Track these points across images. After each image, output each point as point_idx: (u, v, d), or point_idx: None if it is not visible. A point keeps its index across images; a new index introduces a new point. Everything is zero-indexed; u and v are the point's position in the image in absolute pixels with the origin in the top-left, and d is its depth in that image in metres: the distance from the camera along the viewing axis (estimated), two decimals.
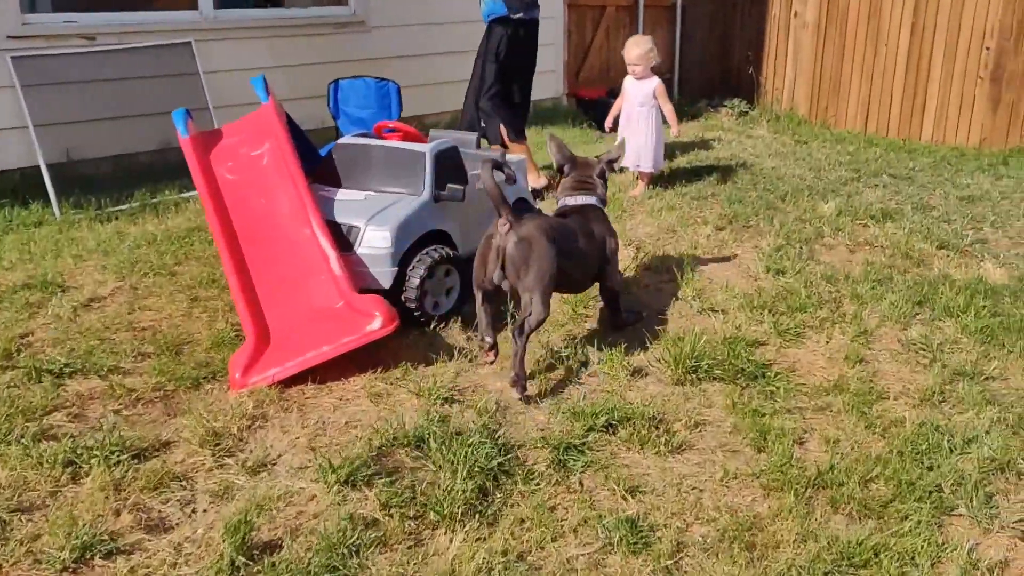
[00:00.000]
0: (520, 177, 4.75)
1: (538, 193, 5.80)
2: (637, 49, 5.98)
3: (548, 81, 8.51)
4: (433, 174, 4.03)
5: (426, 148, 4.09)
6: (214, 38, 6.37)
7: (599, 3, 9.45)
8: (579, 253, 3.74)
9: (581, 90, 8.85)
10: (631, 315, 4.07)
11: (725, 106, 9.50)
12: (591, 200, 4.01)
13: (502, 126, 5.81)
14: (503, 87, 5.92)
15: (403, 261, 3.87)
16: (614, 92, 8.82)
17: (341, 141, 4.31)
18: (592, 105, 8.56)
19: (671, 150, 7.33)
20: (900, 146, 8.13)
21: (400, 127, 4.27)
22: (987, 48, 7.98)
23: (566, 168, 4.11)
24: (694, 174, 6.50)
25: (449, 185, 4.00)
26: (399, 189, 4.04)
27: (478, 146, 4.66)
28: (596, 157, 4.19)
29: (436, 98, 7.28)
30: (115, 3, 6.17)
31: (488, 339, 3.63)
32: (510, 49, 5.85)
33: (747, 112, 9.34)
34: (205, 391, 3.40)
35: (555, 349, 3.76)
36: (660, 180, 6.26)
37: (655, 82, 6.01)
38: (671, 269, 4.64)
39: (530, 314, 3.43)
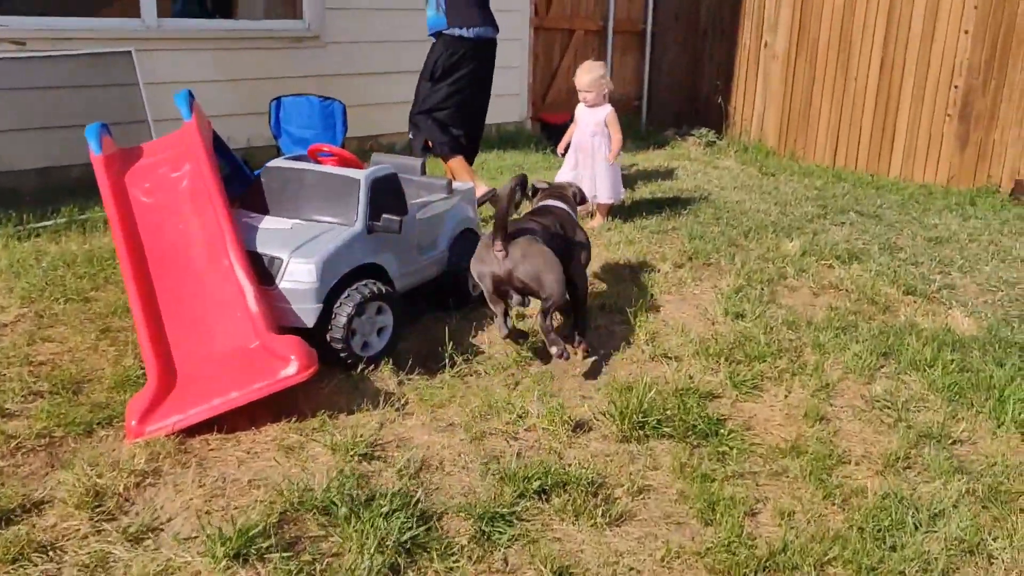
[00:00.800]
0: (469, 208, 4.46)
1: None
2: (588, 75, 5.69)
3: (511, 104, 8.25)
4: (368, 203, 3.72)
5: (361, 175, 3.78)
6: (157, 48, 6.04)
7: (568, 27, 9.23)
8: (561, 247, 3.86)
9: (545, 114, 8.60)
10: (564, 351, 3.66)
11: (693, 135, 9.29)
12: (564, 205, 4.21)
13: (430, 142, 5.61)
14: (444, 107, 5.65)
15: (330, 297, 3.55)
16: None
17: (271, 164, 3.99)
18: (556, 130, 8.28)
19: (633, 180, 7.08)
20: (868, 182, 7.95)
21: (336, 151, 3.96)
22: (955, 86, 7.84)
23: (541, 192, 4.37)
24: (656, 206, 6.24)
25: (384, 216, 3.69)
26: (330, 218, 3.73)
27: (423, 172, 4.36)
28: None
29: (393, 118, 6.96)
30: (50, 7, 5.82)
31: (505, 329, 3.71)
32: (450, 68, 5.59)
33: (715, 142, 9.14)
34: (98, 439, 3.05)
35: (494, 398, 3.45)
36: (619, 211, 6.00)
37: (607, 110, 5.73)
38: (624, 310, 4.36)
39: (550, 302, 3.62)
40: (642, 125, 9.89)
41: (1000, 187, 7.64)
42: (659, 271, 4.92)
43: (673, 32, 9.95)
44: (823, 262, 5.27)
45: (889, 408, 3.60)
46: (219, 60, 6.31)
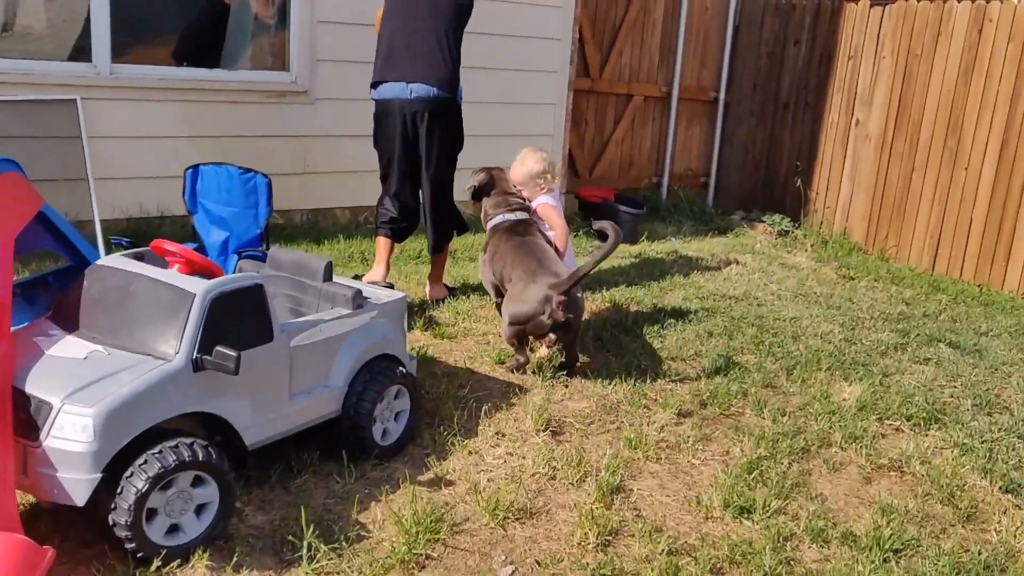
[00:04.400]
0: (390, 328, 3.31)
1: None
2: (521, 168, 4.50)
3: None
4: (199, 329, 2.62)
5: (199, 288, 2.68)
6: (109, 97, 5.17)
7: (625, 91, 8.08)
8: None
9: (584, 190, 7.43)
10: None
11: (764, 221, 7.97)
12: (526, 216, 4.28)
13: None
14: (383, 179, 4.67)
15: (117, 463, 2.46)
16: (628, 197, 7.43)
17: (101, 262, 2.94)
18: (595, 209, 7.13)
19: (668, 273, 5.85)
20: (975, 296, 6.45)
21: (181, 252, 2.87)
22: None
23: (486, 187, 4.37)
24: (681, 318, 4.97)
25: (219, 348, 2.58)
26: (145, 347, 2.64)
27: (327, 278, 3.24)
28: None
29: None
30: None
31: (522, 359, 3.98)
32: (375, 133, 4.62)
33: (789, 231, 7.78)
34: None
35: None
36: (619, 325, 4.75)
37: (540, 201, 4.49)
38: (586, 483, 3.13)
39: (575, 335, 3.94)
40: (707, 205, 8.61)
41: None
42: (654, 422, 3.66)
43: (749, 103, 8.68)
44: (888, 423, 3.91)
45: None
46: (185, 113, 5.40)
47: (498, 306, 4.31)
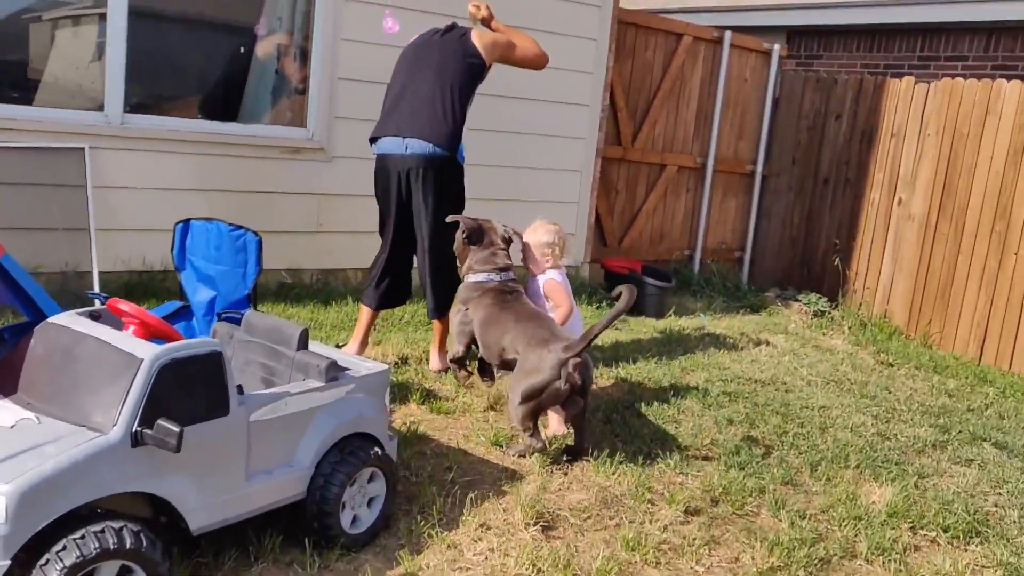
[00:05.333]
0: (367, 404, 3.03)
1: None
2: (531, 237, 4.31)
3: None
4: (142, 399, 2.36)
5: (147, 353, 2.43)
6: (119, 147, 5.05)
7: (658, 161, 7.85)
8: None
9: (611, 260, 7.15)
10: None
11: (799, 300, 7.60)
12: (511, 275, 4.12)
13: None
14: (382, 234, 4.47)
15: (33, 549, 2.20)
16: (657, 269, 7.14)
17: (52, 319, 2.72)
18: (620, 280, 6.83)
19: (691, 350, 5.52)
20: None
21: (139, 314, 2.64)
22: None
23: (473, 236, 4.14)
24: (701, 400, 4.64)
25: (160, 422, 2.32)
26: (79, 417, 2.39)
27: (302, 346, 2.99)
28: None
29: None
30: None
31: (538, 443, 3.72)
32: (375, 186, 4.42)
33: (825, 312, 7.41)
34: None
35: None
36: (640, 402, 4.43)
37: (546, 277, 4.29)
38: None
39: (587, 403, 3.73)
40: (742, 281, 8.28)
41: None
42: (657, 519, 3.32)
43: (788, 177, 8.39)
44: (922, 533, 3.52)
45: None
46: (198, 167, 5.26)
47: (459, 361, 4.28)
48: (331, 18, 5.53)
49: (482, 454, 3.72)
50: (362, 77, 5.54)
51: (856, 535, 3.40)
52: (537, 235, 4.28)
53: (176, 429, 2.31)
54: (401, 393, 4.19)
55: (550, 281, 4.24)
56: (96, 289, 4.62)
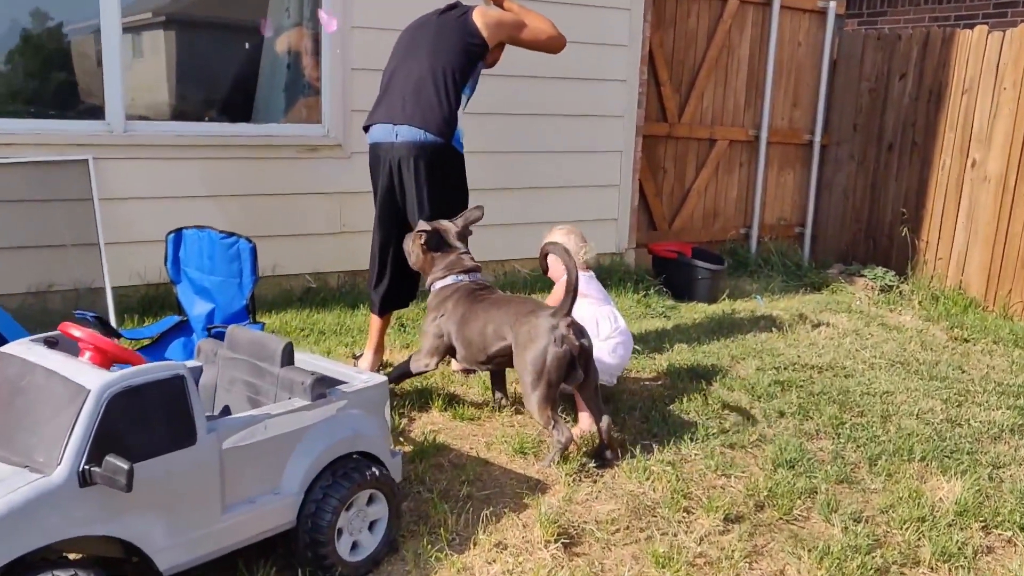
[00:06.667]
0: (365, 421, 2.79)
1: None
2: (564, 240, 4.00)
3: (605, 232, 6.53)
4: (90, 433, 2.16)
5: (96, 382, 2.22)
6: (124, 156, 4.91)
7: (706, 135, 7.45)
8: None
9: (658, 245, 6.79)
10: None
11: (864, 275, 7.14)
12: (480, 276, 3.85)
13: None
14: (375, 231, 4.22)
15: None
16: (708, 252, 6.76)
17: (3, 349, 2.53)
18: (670, 266, 6.49)
19: (743, 332, 5.17)
20: None
21: (93, 339, 2.43)
22: None
23: (432, 241, 3.80)
24: (751, 391, 4.29)
25: (108, 459, 2.12)
26: (22, 456, 2.19)
27: (286, 362, 2.76)
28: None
29: None
30: None
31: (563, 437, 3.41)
32: (372, 177, 4.16)
33: (893, 286, 6.93)
34: None
35: None
36: (682, 397, 4.10)
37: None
38: None
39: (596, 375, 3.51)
40: (803, 258, 7.81)
41: None
42: (693, 530, 3.01)
43: (849, 145, 7.88)
44: (996, 532, 3.13)
45: None
46: (206, 172, 5.10)
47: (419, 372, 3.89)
48: (340, 5, 5.30)
49: (504, 463, 3.46)
50: (377, 66, 5.21)
51: (919, 539, 3.04)
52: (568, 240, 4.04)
53: (125, 466, 2.10)
54: (422, 400, 3.96)
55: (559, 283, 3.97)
56: (110, 305, 4.50)
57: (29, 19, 5.06)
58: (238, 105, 5.51)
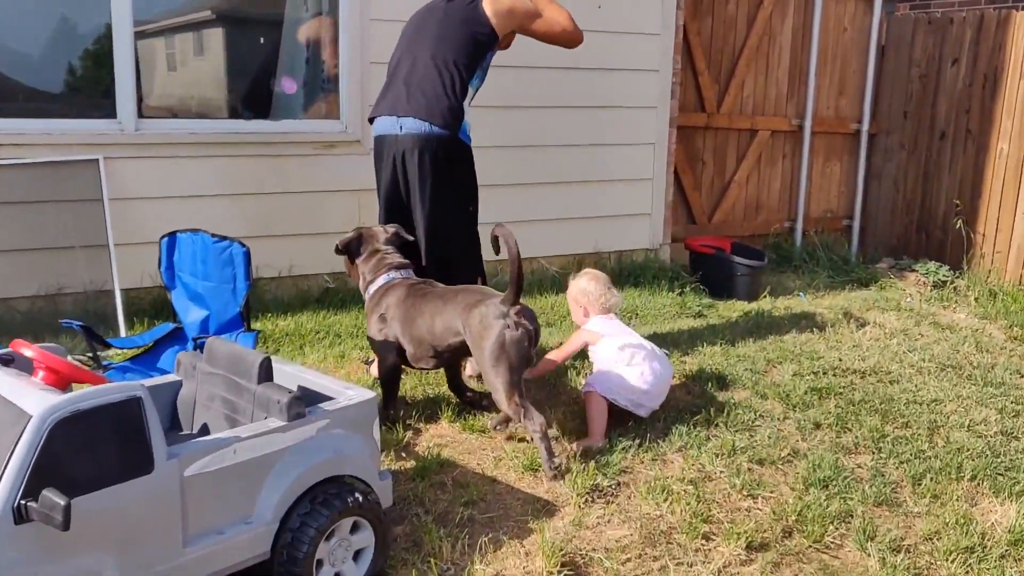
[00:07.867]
0: (349, 440, 2.58)
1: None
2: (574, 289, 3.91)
3: (638, 227, 6.25)
4: (28, 464, 1.97)
5: (38, 408, 2.03)
6: (136, 155, 4.78)
7: (747, 126, 7.11)
8: None
9: (695, 239, 6.48)
10: None
11: (916, 270, 6.75)
12: (411, 273, 3.68)
13: None
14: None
15: None
16: (748, 247, 6.44)
17: None
18: (707, 262, 6.19)
19: (780, 331, 4.86)
20: None
21: (44, 358, 2.25)
22: None
23: (351, 247, 3.68)
24: (785, 400, 3.99)
25: (45, 493, 1.93)
26: None
27: (264, 378, 2.56)
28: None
29: None
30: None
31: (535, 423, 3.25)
32: (376, 171, 3.96)
33: (947, 282, 6.54)
34: None
35: None
36: (710, 406, 3.82)
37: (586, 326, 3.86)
38: None
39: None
40: (851, 252, 7.43)
41: None
42: (711, 559, 2.74)
43: (899, 134, 7.48)
44: None
45: None
46: (221, 170, 4.95)
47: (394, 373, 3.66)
48: None
49: (512, 481, 3.22)
50: None
51: (967, 572, 2.74)
52: (570, 286, 3.93)
53: (62, 502, 1.91)
54: (431, 410, 3.74)
55: (583, 331, 3.78)
56: (119, 307, 4.37)
57: (39, 18, 4.94)
58: (254, 101, 5.34)
